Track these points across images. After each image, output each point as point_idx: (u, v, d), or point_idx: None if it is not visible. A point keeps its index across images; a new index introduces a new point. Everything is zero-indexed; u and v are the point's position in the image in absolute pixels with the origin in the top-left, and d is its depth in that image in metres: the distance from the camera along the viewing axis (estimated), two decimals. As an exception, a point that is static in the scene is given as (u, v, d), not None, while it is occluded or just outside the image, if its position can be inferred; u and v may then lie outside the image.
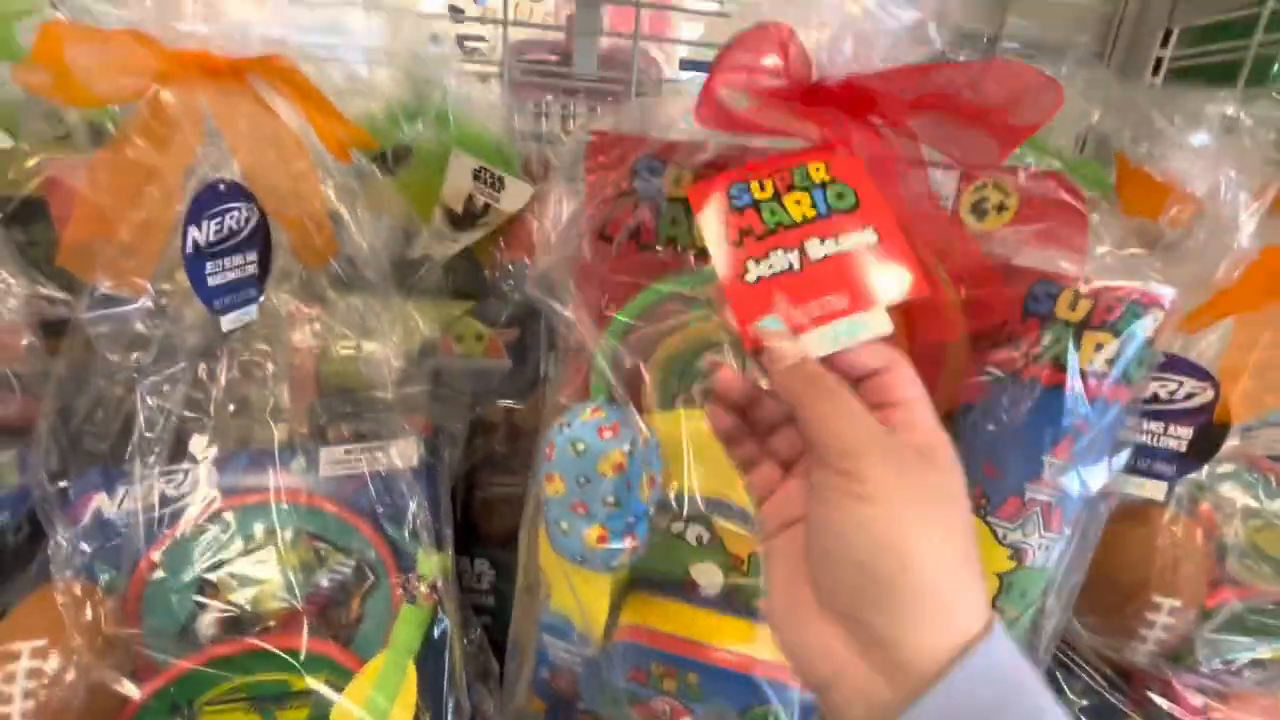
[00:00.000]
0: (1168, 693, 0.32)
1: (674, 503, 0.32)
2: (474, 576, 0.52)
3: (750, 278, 0.24)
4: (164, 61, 0.32)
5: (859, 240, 0.24)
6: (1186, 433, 0.32)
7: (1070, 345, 0.29)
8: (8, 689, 0.31)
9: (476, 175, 0.45)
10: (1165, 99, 0.36)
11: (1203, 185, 0.33)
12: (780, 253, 0.25)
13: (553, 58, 0.55)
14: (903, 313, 0.27)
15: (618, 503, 0.31)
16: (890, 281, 0.24)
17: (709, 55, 0.27)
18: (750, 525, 0.33)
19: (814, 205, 0.25)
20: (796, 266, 0.24)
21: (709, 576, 0.35)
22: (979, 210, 0.30)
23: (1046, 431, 0.29)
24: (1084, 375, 0.29)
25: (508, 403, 0.48)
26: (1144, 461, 0.33)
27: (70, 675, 0.33)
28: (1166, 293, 0.28)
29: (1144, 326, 0.29)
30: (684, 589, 0.35)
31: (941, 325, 0.28)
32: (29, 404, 0.41)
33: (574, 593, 0.34)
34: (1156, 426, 0.33)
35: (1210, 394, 0.32)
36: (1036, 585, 0.30)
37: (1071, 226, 0.29)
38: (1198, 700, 0.32)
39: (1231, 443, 0.37)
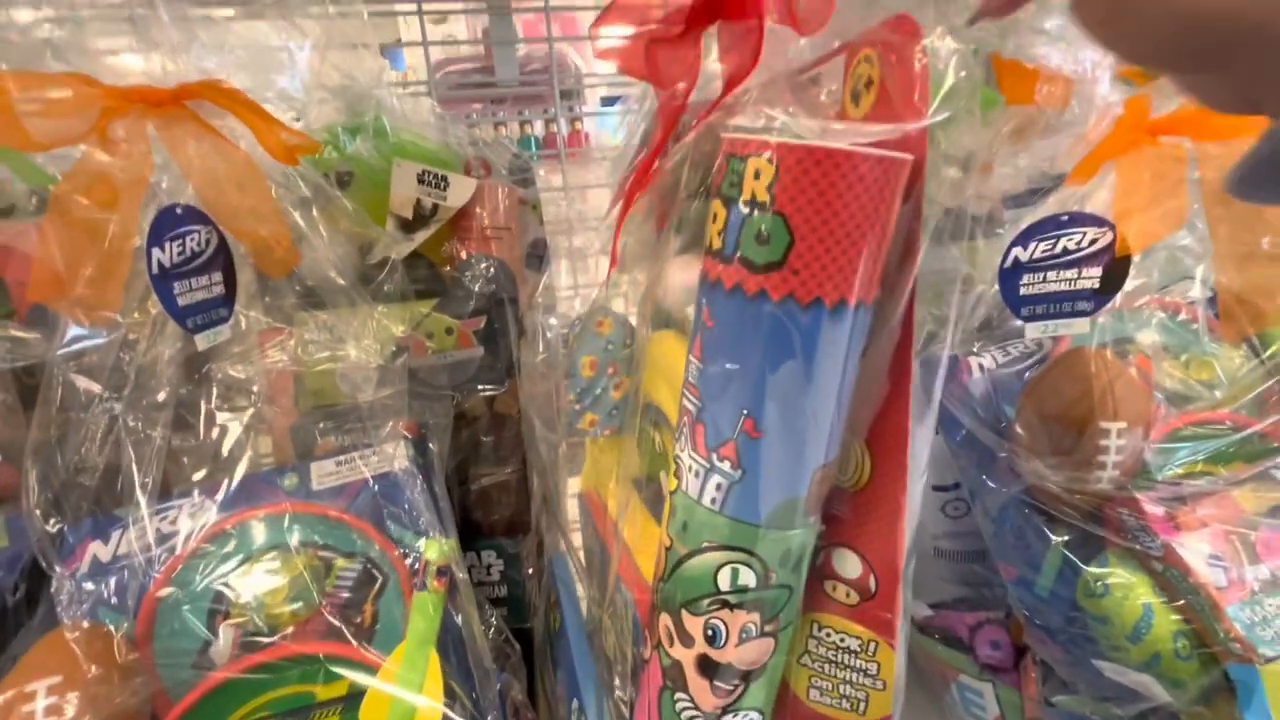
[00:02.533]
0: (1134, 510, 0.35)
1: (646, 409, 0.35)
2: (483, 569, 0.52)
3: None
4: (109, 98, 0.33)
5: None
6: (1097, 272, 0.36)
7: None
8: (29, 729, 0.31)
9: (421, 179, 0.47)
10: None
11: (1065, 63, 0.38)
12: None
13: (471, 68, 0.58)
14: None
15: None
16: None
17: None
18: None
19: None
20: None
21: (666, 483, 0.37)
22: (855, 95, 0.28)
23: (694, 327, 0.26)
24: (708, 254, 0.26)
25: (487, 389, 0.49)
26: (1066, 305, 0.36)
27: (89, 709, 0.32)
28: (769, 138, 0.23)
29: (747, 185, 0.24)
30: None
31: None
32: (10, 469, 0.41)
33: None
34: (1071, 274, 0.36)
35: (1110, 235, 0.36)
36: (694, 516, 0.26)
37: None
38: (1160, 510, 0.34)
39: (1147, 288, 0.41)
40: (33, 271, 0.33)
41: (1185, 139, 0.37)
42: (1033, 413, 0.36)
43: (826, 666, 0.28)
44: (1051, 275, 0.37)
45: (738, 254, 0.24)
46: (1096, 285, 0.35)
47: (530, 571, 0.53)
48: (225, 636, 0.37)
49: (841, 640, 0.28)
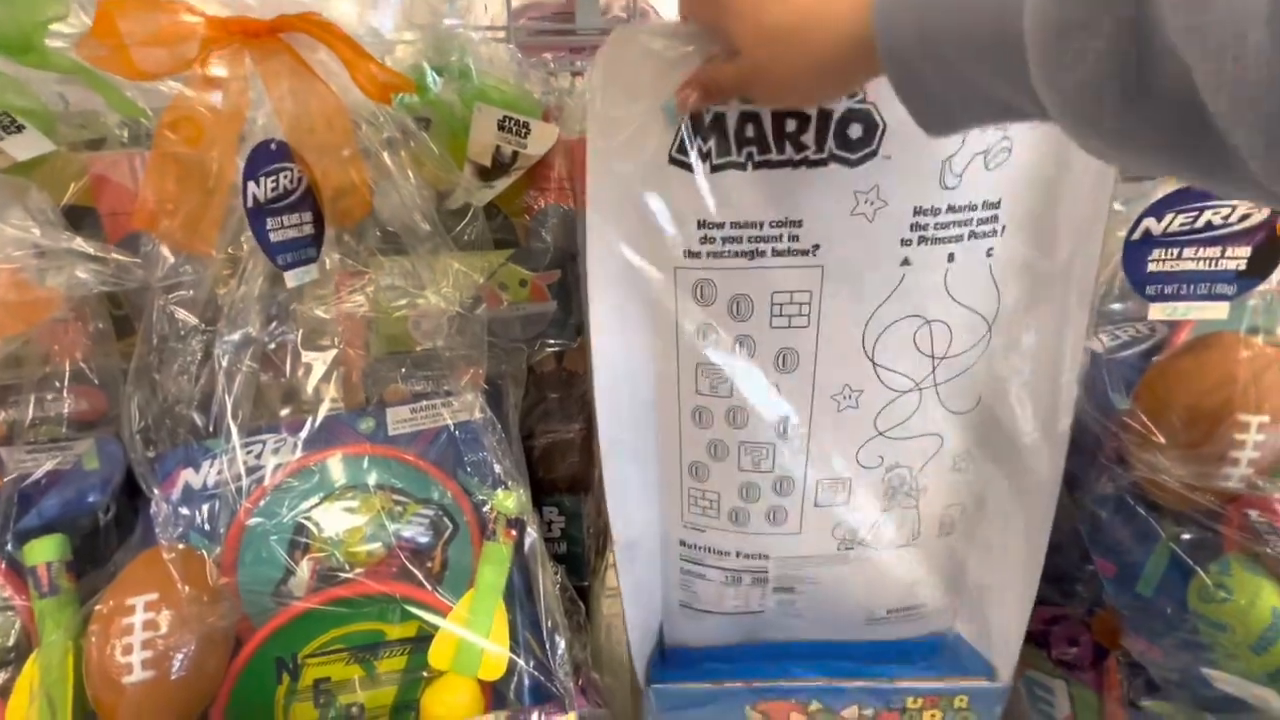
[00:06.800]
0: (1267, 512, 0.32)
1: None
2: (544, 525, 0.52)
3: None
4: (210, 28, 0.33)
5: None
6: (1244, 252, 0.32)
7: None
8: (128, 639, 0.33)
9: (501, 125, 0.46)
10: None
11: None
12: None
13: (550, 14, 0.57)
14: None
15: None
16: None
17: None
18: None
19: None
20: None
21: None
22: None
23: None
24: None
25: (557, 344, 0.49)
26: (1202, 286, 0.33)
27: (181, 626, 0.34)
28: None
29: None
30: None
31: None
32: (101, 394, 0.42)
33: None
34: (1213, 251, 0.33)
35: (1265, 212, 0.32)
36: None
37: None
38: (1298, 514, 0.32)
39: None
40: (137, 203, 0.33)
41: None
42: (1157, 400, 0.34)
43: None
44: (1188, 252, 0.34)
45: None
46: (1243, 266, 0.32)
47: (589, 529, 0.53)
48: (305, 569, 0.38)
49: None
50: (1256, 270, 0.32)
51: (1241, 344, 0.32)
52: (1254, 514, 0.32)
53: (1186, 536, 0.34)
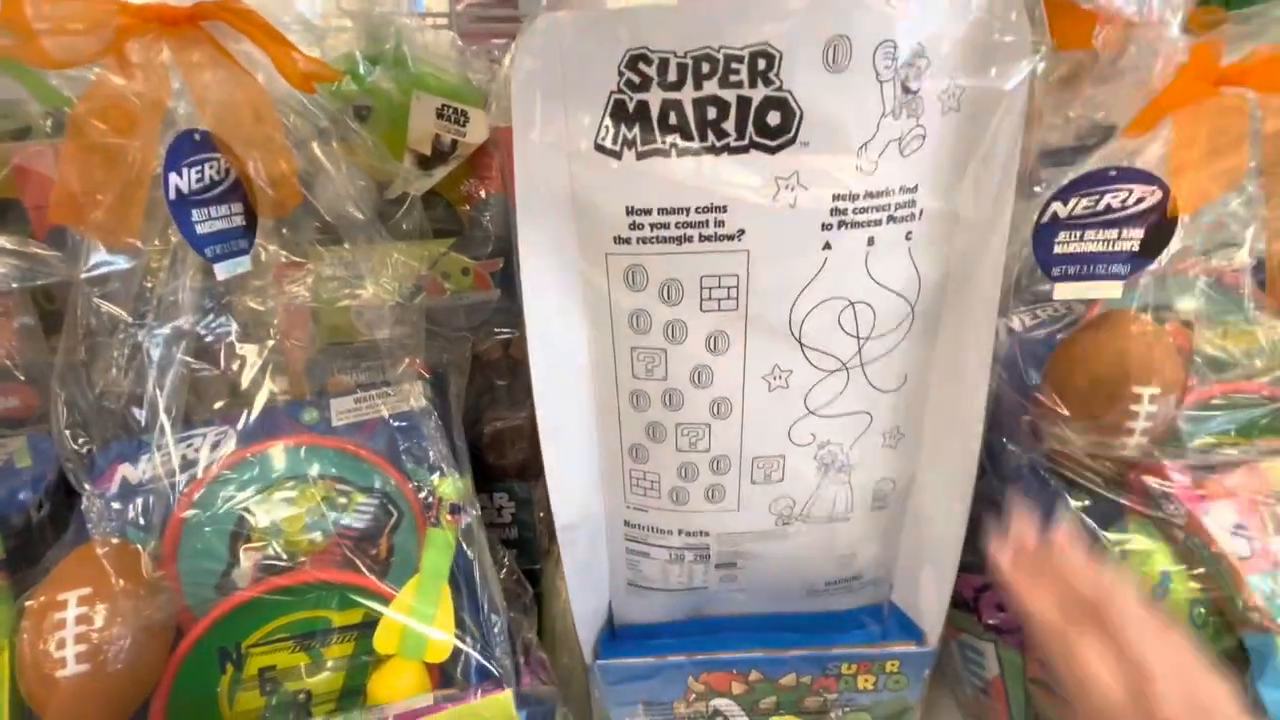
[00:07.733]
0: (1160, 477, 0.34)
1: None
2: (495, 511, 0.53)
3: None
4: (124, 15, 0.33)
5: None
6: (1139, 234, 0.34)
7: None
8: (60, 634, 0.33)
9: (440, 113, 0.46)
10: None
11: (1128, 3, 0.35)
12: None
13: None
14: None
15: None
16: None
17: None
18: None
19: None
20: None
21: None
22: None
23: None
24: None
25: (503, 332, 0.49)
26: (1100, 266, 0.35)
27: (116, 621, 0.34)
28: None
29: None
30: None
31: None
32: (32, 391, 0.42)
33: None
34: (1111, 234, 0.35)
35: (1159, 195, 0.34)
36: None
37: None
38: (1186, 479, 0.34)
39: (1193, 255, 0.39)
40: (53, 193, 0.33)
41: (1249, 91, 0.35)
42: (1063, 375, 0.35)
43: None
44: (1090, 234, 0.35)
45: None
46: (1135, 248, 0.34)
47: (541, 515, 0.54)
48: (246, 560, 0.39)
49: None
50: (1148, 251, 0.34)
51: (1133, 321, 0.34)
52: (1149, 480, 0.34)
53: (1090, 504, 0.36)
